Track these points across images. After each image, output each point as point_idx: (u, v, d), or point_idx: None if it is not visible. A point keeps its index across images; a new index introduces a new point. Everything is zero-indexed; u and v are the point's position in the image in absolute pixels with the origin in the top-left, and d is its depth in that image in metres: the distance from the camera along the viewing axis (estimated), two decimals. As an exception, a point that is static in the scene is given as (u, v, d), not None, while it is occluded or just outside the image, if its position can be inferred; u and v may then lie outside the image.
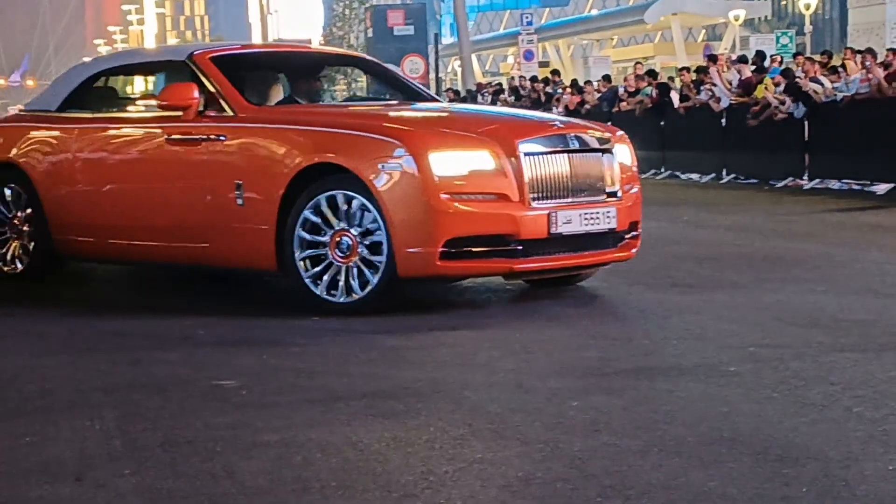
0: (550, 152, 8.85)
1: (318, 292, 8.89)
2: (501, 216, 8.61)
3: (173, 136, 9.76)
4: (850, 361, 6.81)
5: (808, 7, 60.17)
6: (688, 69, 27.16)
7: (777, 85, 21.76)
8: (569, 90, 30.63)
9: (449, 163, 8.60)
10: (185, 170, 9.68)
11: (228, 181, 9.31)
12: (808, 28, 59.86)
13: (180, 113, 9.68)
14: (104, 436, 5.64)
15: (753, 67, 23.67)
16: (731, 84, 23.69)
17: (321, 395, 6.32)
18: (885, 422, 5.50)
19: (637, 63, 30.40)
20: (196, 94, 9.63)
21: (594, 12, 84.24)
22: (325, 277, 8.87)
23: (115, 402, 6.31)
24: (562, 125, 9.33)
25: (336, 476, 4.89)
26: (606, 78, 30.79)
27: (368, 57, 12.77)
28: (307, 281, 8.93)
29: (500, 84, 39.68)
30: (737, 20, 59.94)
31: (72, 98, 11.02)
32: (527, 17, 50.75)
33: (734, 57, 28.38)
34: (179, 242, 9.71)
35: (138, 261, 10.45)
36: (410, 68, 58.65)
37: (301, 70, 11.03)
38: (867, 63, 19.46)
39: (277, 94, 10.57)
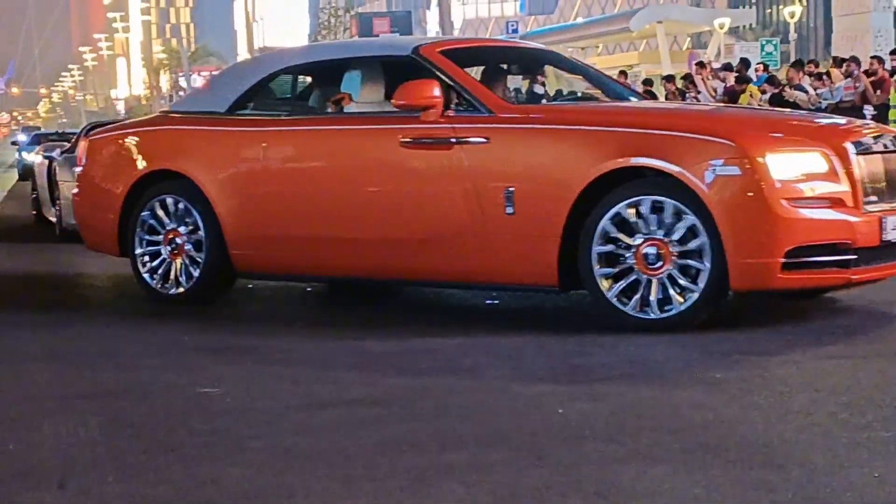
0: (871, 153, 8.24)
1: (627, 310, 8.11)
2: (839, 223, 7.94)
3: (410, 139, 8.79)
4: (835, 367, 6.82)
5: (792, 15, 60.35)
6: (672, 77, 27.18)
7: (763, 93, 21.79)
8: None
9: (786, 165, 7.90)
10: (427, 175, 8.74)
11: (493, 188, 8.43)
12: (792, 36, 60.04)
13: (417, 114, 8.75)
14: (88, 442, 5.61)
15: (737, 75, 23.70)
16: (715, 92, 23.72)
17: (306, 402, 6.30)
18: (871, 428, 5.50)
19: (620, 72, 30.40)
20: (437, 91, 8.67)
21: (579, 20, 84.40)
22: (630, 292, 8.13)
23: (98, 408, 6.28)
24: (874, 126, 8.75)
25: (321, 482, 4.88)
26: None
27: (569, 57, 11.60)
28: (611, 299, 8.16)
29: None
30: (721, 28, 59.98)
31: (246, 98, 9.99)
32: (512, 25, 50.77)
33: (717, 65, 28.43)
34: (419, 256, 8.79)
35: (346, 276, 9.49)
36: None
37: (524, 66, 10.46)
38: (854, 72, 19.51)
39: (504, 90, 9.69)
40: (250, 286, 10.88)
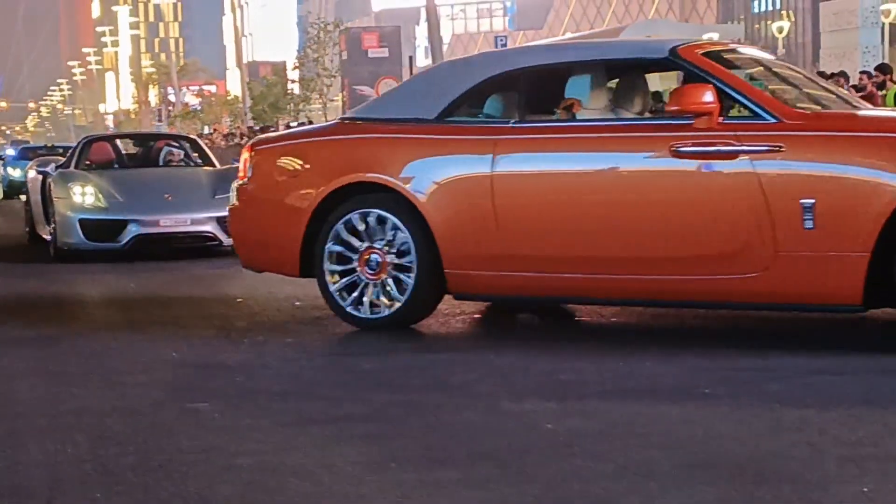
0: None
1: None
2: None
3: (684, 147, 8.05)
4: (825, 383, 6.81)
5: (780, 31, 60.56)
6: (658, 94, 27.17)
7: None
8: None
9: None
10: (705, 186, 8.02)
11: (789, 200, 7.74)
12: (780, 51, 60.20)
13: (687, 120, 8.09)
14: (76, 459, 5.59)
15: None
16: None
17: (295, 418, 6.28)
18: (861, 444, 5.49)
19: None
20: (712, 96, 7.97)
21: (568, 35, 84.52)
22: None
23: (86, 425, 6.26)
24: None
25: (310, 499, 4.86)
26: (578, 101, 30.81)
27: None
28: None
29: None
30: (710, 43, 60.16)
31: (457, 104, 9.10)
32: (501, 41, 50.85)
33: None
34: (687, 275, 8.08)
35: (582, 297, 8.80)
36: (385, 91, 58.79)
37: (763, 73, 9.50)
38: (845, 87, 19.57)
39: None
40: (239, 300, 10.86)
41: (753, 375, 7.06)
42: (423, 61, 76.01)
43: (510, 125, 8.78)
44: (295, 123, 58.47)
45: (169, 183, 16.38)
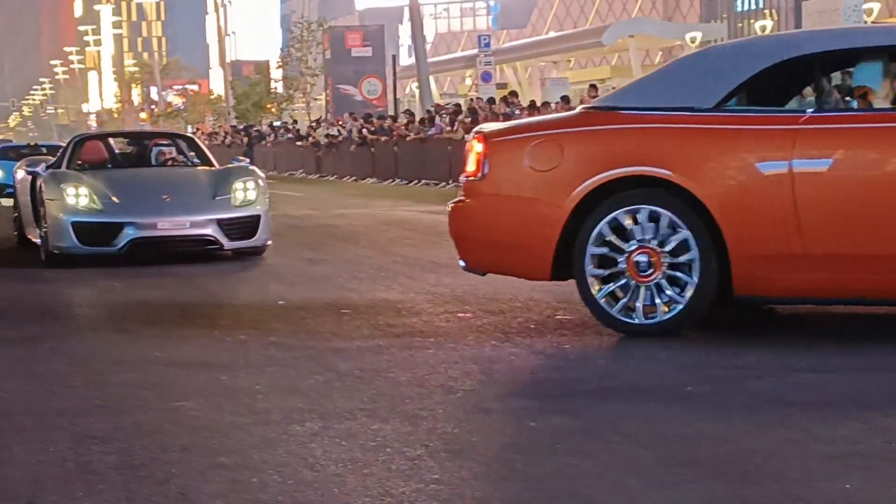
0: None
1: None
2: None
3: None
4: (808, 381, 6.82)
5: (763, 30, 60.61)
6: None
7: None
8: (526, 111, 30.65)
9: None
10: None
11: None
12: (763, 50, 60.20)
13: None
14: (58, 458, 5.58)
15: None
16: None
17: (277, 417, 6.27)
18: (844, 441, 5.50)
19: (591, 85, 30.48)
20: None
21: (551, 34, 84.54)
22: None
23: (69, 424, 6.24)
24: None
25: (292, 498, 4.85)
26: (565, 99, 30.87)
27: None
28: None
29: (458, 105, 39.72)
30: (693, 42, 60.24)
31: (736, 92, 8.42)
32: (484, 40, 50.83)
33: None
34: None
35: None
36: (368, 90, 58.75)
37: None
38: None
39: None
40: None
41: (736, 373, 7.07)
42: (406, 60, 76.00)
43: (808, 114, 8.12)
44: (278, 123, 58.48)
45: (167, 183, 15.48)
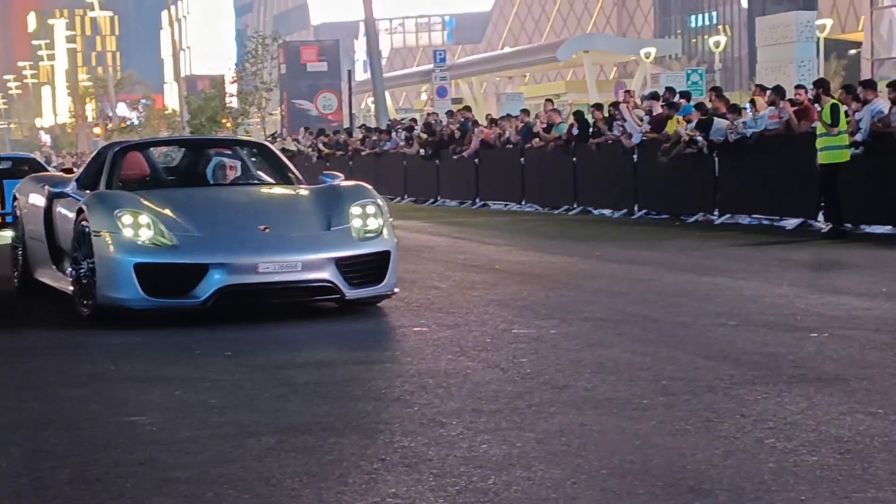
0: None
1: None
2: None
3: None
4: (760, 394, 6.86)
5: (717, 45, 60.97)
6: (600, 106, 27.33)
7: (689, 121, 21.94)
8: (484, 126, 30.70)
9: None
10: None
11: None
12: (717, 66, 60.62)
13: None
14: (11, 473, 5.55)
15: (663, 104, 23.83)
16: (641, 121, 23.85)
17: (233, 431, 6.26)
18: (796, 453, 5.54)
19: (547, 100, 30.55)
20: None
21: (507, 49, 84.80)
22: None
23: (22, 439, 6.21)
24: None
25: (248, 512, 4.84)
26: (525, 112, 30.97)
27: None
28: None
29: (413, 120, 39.75)
30: (648, 58, 60.55)
31: None
32: (440, 55, 50.94)
33: (646, 92, 28.53)
34: None
35: None
36: (324, 105, 58.74)
37: None
38: (779, 103, 19.70)
39: None
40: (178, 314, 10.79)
41: (689, 386, 7.10)
42: (361, 75, 75.99)
43: None
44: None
45: (260, 208, 11.15)
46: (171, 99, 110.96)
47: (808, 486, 5.00)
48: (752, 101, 21.73)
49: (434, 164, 31.07)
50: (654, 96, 25.24)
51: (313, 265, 10.29)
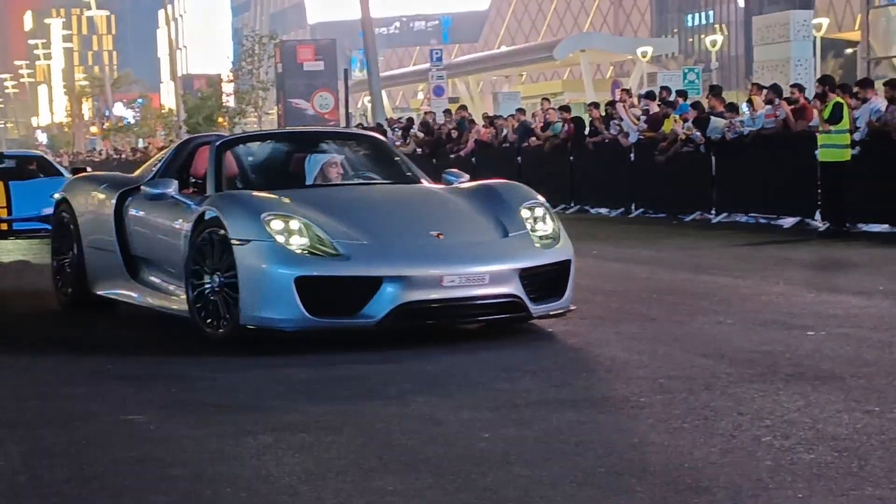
0: None
1: None
2: None
3: None
4: (757, 392, 6.87)
5: (714, 44, 60.95)
6: (597, 105, 27.33)
7: (685, 120, 21.95)
8: (482, 124, 30.69)
9: None
10: None
11: None
12: (714, 65, 60.60)
13: None
14: (9, 472, 5.55)
15: (660, 103, 23.84)
16: (638, 119, 23.86)
17: (231, 429, 6.26)
18: (793, 451, 5.55)
19: (544, 99, 30.54)
20: None
21: (503, 49, 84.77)
22: None
23: (20, 437, 6.21)
24: None
25: (246, 510, 4.85)
26: (521, 111, 30.97)
27: None
28: None
29: (410, 119, 39.74)
30: (644, 57, 60.50)
31: None
32: (436, 54, 50.91)
33: (642, 91, 28.54)
34: None
35: None
36: (320, 104, 58.65)
37: None
38: (775, 101, 19.71)
39: None
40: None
41: (686, 384, 7.10)
42: (358, 74, 75.98)
43: None
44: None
45: (426, 211, 9.57)
46: (168, 98, 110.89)
47: (804, 484, 5.01)
48: (750, 101, 21.73)
49: (431, 163, 31.08)
50: (650, 95, 25.24)
51: (500, 278, 8.84)
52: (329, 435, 6.09)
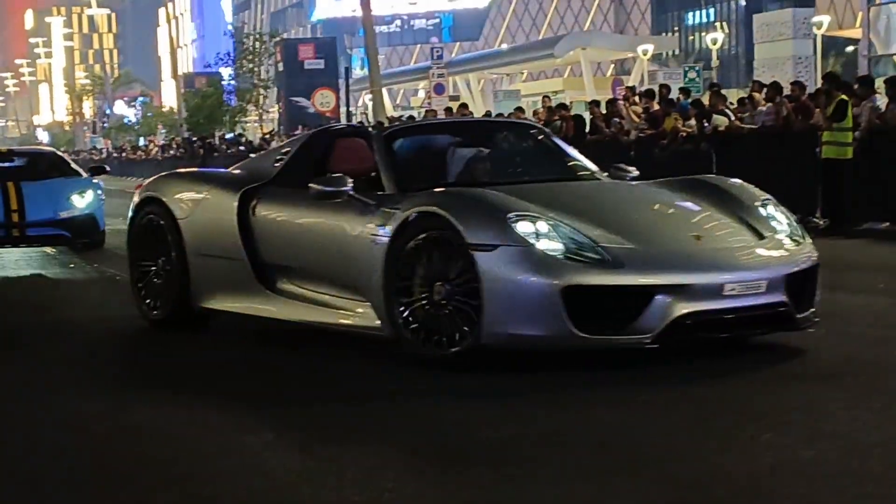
0: None
1: None
2: None
3: None
4: (757, 389, 6.87)
5: (714, 42, 60.92)
6: (598, 103, 27.33)
7: (687, 118, 21.97)
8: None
9: None
10: None
11: None
12: (714, 63, 60.59)
13: None
14: (8, 471, 5.55)
15: (660, 102, 23.84)
16: (639, 118, 23.86)
17: (231, 427, 6.27)
18: (793, 448, 5.55)
19: (545, 97, 30.55)
20: None
21: (504, 47, 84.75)
22: None
23: (19, 437, 6.23)
24: None
25: (246, 508, 4.86)
26: (520, 110, 30.95)
27: None
28: None
29: (411, 117, 39.77)
30: (645, 55, 60.50)
31: None
32: (437, 52, 50.93)
33: (642, 89, 28.58)
34: None
35: None
36: (321, 102, 58.65)
37: None
38: (777, 99, 19.73)
39: None
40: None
41: (685, 382, 7.10)
42: (358, 72, 75.98)
43: None
44: (230, 136, 58.26)
45: (665, 211, 8.60)
46: (169, 96, 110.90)
47: (804, 482, 5.01)
48: (751, 98, 21.76)
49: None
50: (649, 94, 25.25)
51: (775, 285, 7.93)
52: (328, 433, 6.09)
